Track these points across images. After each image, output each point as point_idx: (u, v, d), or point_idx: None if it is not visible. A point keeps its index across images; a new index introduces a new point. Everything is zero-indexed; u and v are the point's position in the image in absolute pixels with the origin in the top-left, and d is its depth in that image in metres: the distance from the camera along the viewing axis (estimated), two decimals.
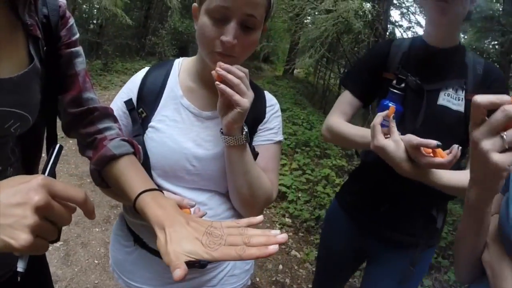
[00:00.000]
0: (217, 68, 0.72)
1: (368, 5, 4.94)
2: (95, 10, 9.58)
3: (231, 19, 0.72)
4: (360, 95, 1.19)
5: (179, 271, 0.48)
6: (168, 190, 0.86)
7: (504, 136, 0.49)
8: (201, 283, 0.92)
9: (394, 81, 1.06)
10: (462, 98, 1.03)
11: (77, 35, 0.75)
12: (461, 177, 0.96)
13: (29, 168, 0.75)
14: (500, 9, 6.83)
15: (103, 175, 0.73)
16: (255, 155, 0.87)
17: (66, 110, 0.74)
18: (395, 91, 1.05)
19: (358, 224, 1.24)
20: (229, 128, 0.76)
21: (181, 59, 0.95)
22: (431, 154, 0.86)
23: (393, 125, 0.91)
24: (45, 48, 0.67)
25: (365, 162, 1.25)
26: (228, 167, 0.83)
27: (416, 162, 0.89)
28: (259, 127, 0.91)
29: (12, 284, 0.73)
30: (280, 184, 3.58)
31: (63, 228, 0.51)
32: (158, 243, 0.55)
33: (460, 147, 0.86)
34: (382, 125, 0.93)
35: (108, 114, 0.78)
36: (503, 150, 0.50)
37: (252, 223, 0.58)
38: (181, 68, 0.92)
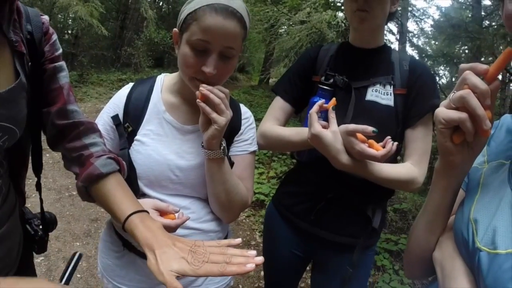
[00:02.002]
0: (201, 88, 0.79)
1: (341, 15, 5.13)
2: (70, 20, 9.39)
3: (211, 51, 0.79)
4: (291, 100, 1.19)
5: None
6: (153, 198, 0.91)
7: (451, 94, 0.52)
8: (187, 283, 0.96)
9: (323, 78, 1.08)
10: (390, 93, 1.05)
11: (60, 50, 0.78)
12: (400, 170, 1.00)
13: (16, 180, 0.77)
14: (470, 15, 7.21)
15: (90, 192, 0.75)
16: (231, 164, 0.94)
17: (52, 122, 0.76)
18: (324, 87, 1.06)
19: (296, 228, 1.20)
20: (209, 143, 0.83)
21: (162, 75, 1.01)
22: (366, 144, 0.88)
23: (333, 116, 0.93)
24: (29, 63, 0.69)
25: (300, 162, 1.23)
26: (208, 177, 0.89)
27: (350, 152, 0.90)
28: (235, 138, 0.98)
29: None
30: (258, 193, 3.62)
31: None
32: (149, 263, 0.60)
33: (396, 143, 0.89)
34: (319, 118, 0.94)
35: (93, 128, 0.80)
36: (451, 108, 0.52)
37: (232, 244, 0.65)
38: (163, 84, 0.98)
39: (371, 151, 0.87)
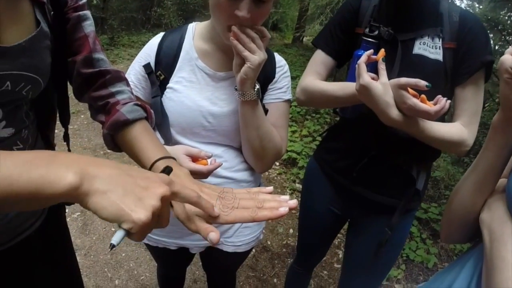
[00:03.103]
0: (233, 27, 0.77)
1: None
2: None
3: None
4: (333, 53, 1.12)
5: (215, 235, 0.52)
6: (186, 145, 0.91)
7: None
8: None
9: (367, 30, 1.01)
10: (439, 47, 0.97)
11: (85, 0, 0.75)
12: (451, 130, 0.93)
13: (44, 132, 0.77)
14: None
15: (116, 140, 0.74)
16: (265, 111, 0.92)
17: (78, 71, 0.74)
18: (368, 39, 0.99)
19: (336, 185, 1.19)
20: (242, 84, 0.81)
21: (194, 23, 0.99)
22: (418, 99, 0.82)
23: (383, 68, 0.86)
24: (52, 12, 0.68)
25: (343, 118, 1.19)
26: (241, 121, 0.88)
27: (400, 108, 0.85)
28: (269, 87, 0.96)
29: (21, 250, 0.76)
30: (290, 150, 3.63)
31: None
32: (175, 212, 0.57)
33: (449, 100, 0.83)
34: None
35: (120, 77, 0.79)
36: None
37: (263, 192, 0.60)
38: (195, 32, 0.96)
39: (425, 106, 0.81)
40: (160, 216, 0.47)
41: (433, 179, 3.28)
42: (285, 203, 0.55)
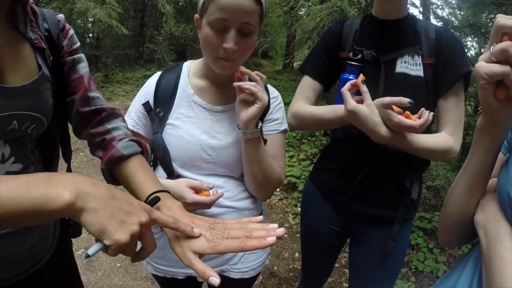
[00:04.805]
0: (239, 72, 0.87)
1: None
2: (90, 24, 9.53)
3: (230, 28, 0.82)
4: (320, 78, 1.18)
5: (216, 279, 0.54)
6: (188, 178, 0.95)
7: (492, 47, 0.49)
8: (224, 261, 1.00)
9: (351, 54, 1.06)
10: (419, 63, 1.03)
11: (78, 44, 0.82)
12: (437, 140, 0.98)
13: (49, 168, 0.82)
14: None
15: (114, 174, 0.78)
16: (264, 142, 0.96)
17: (77, 109, 0.80)
18: (353, 63, 1.05)
19: (334, 203, 1.22)
20: (247, 123, 0.86)
21: (188, 62, 1.05)
22: (403, 116, 0.87)
23: (365, 90, 0.92)
24: (51, 57, 0.74)
25: (334, 139, 1.24)
26: (245, 157, 0.92)
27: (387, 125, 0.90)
28: (265, 118, 1.00)
29: (33, 282, 0.79)
30: (289, 175, 3.64)
31: (83, 236, 0.58)
32: (171, 245, 0.61)
33: (432, 113, 0.88)
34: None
35: (115, 114, 0.84)
36: (492, 62, 0.50)
37: (253, 221, 0.64)
38: (190, 70, 1.01)
39: (410, 121, 0.86)
40: (143, 240, 0.54)
41: (434, 188, 3.29)
42: (273, 232, 0.58)
